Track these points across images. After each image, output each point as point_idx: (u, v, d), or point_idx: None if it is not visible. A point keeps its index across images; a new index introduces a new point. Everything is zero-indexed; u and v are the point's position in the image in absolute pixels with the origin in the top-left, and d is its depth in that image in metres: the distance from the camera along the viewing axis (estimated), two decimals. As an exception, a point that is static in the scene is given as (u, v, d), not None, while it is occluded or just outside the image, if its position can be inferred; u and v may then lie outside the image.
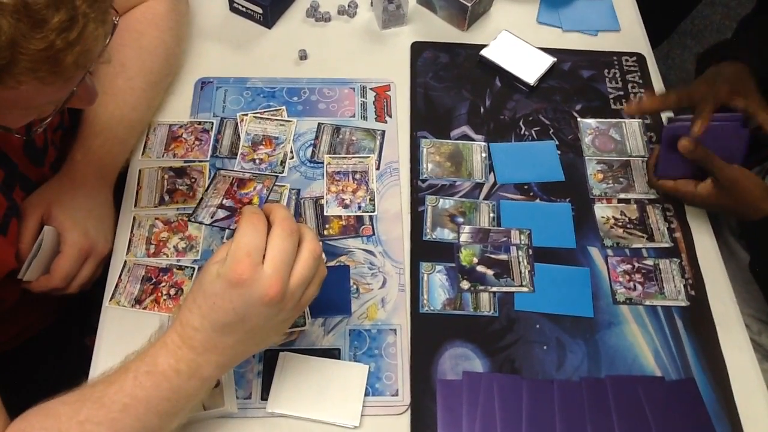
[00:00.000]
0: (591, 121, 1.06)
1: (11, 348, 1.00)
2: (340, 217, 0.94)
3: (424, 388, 0.81)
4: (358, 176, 0.98)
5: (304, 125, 1.02)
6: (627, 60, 1.13)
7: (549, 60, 1.10)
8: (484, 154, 1.01)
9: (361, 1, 1.17)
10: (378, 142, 1.01)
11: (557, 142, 1.03)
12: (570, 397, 0.81)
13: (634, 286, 0.90)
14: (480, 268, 0.91)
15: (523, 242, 0.93)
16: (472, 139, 1.03)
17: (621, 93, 1.09)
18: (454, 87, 1.09)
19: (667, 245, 0.94)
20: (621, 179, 1.00)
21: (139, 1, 0.98)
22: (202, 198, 0.93)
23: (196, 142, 0.99)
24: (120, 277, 0.88)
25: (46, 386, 0.67)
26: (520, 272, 0.90)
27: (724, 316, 0.89)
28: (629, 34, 1.17)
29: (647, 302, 0.89)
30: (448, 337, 0.85)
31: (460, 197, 0.97)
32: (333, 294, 0.86)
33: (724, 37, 2.28)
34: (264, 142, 1.00)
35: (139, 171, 0.96)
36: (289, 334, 0.83)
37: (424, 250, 0.92)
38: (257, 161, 0.98)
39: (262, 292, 0.62)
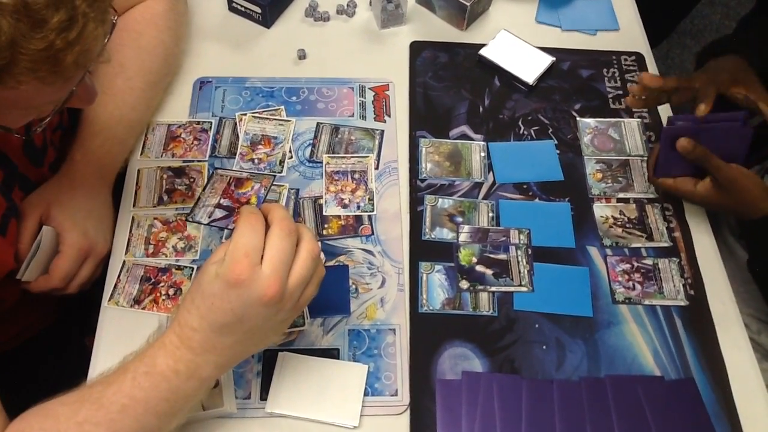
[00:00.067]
0: (590, 121, 1.06)
1: (11, 348, 1.00)
2: (339, 216, 0.94)
3: (423, 388, 0.81)
4: (357, 176, 0.97)
5: (302, 125, 1.02)
6: (626, 59, 1.13)
7: (548, 59, 1.10)
8: (483, 154, 1.01)
9: (360, 0, 1.17)
10: (377, 142, 1.01)
11: (556, 142, 1.03)
12: (569, 397, 0.81)
13: (633, 285, 0.90)
14: (479, 268, 0.91)
15: (522, 242, 0.93)
16: (471, 139, 1.03)
17: (620, 92, 1.09)
18: (453, 86, 1.09)
19: (666, 245, 0.94)
20: (620, 178, 1.00)
21: (138, 1, 0.98)
22: (199, 198, 0.93)
23: (195, 142, 0.99)
24: (119, 277, 0.88)
25: (46, 386, 0.67)
26: (520, 272, 0.90)
27: (724, 316, 0.89)
28: (628, 34, 1.17)
29: (646, 302, 0.89)
30: (448, 336, 0.85)
31: (459, 197, 0.97)
32: (332, 294, 0.86)
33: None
34: (263, 142, 1.00)
35: (138, 171, 0.96)
36: (288, 334, 0.83)
37: (423, 250, 0.92)
38: (256, 161, 0.98)
39: (260, 292, 0.62)
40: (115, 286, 0.87)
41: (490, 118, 1.05)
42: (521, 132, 1.04)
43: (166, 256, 0.89)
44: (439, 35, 1.15)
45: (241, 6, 1.12)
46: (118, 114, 0.92)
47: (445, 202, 0.96)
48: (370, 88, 1.07)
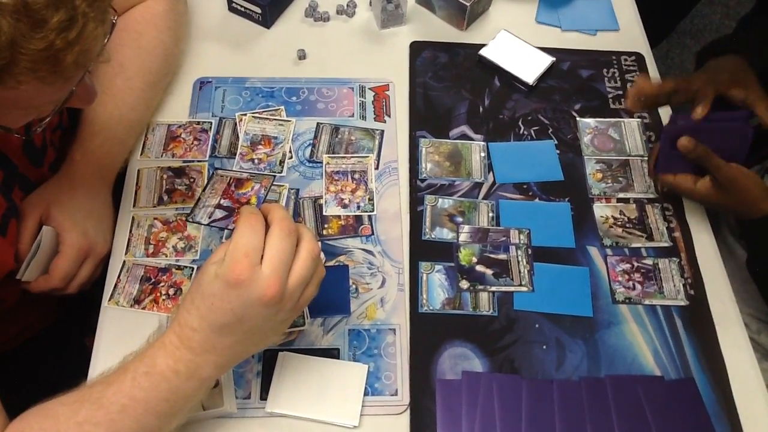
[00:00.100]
0: (590, 121, 1.06)
1: (11, 348, 1.00)
2: (339, 216, 0.94)
3: (423, 388, 0.81)
4: (357, 176, 0.97)
5: (302, 125, 1.02)
6: (626, 59, 1.13)
7: (548, 59, 1.10)
8: (483, 154, 1.01)
9: (360, 0, 1.17)
10: (377, 142, 1.01)
11: (556, 142, 1.03)
12: (569, 397, 0.81)
13: (634, 285, 0.90)
14: (479, 268, 0.91)
15: (522, 242, 0.93)
16: (471, 139, 1.03)
17: (620, 92, 1.09)
18: (453, 86, 1.09)
19: (666, 245, 0.94)
20: (620, 178, 1.00)
21: (138, 1, 0.98)
22: (199, 198, 0.93)
23: (195, 142, 0.99)
24: (119, 277, 0.88)
25: (46, 386, 0.67)
26: (520, 272, 0.90)
27: (724, 316, 0.89)
28: (628, 34, 1.17)
29: (646, 302, 0.89)
30: (448, 336, 0.85)
31: (459, 197, 0.97)
32: (332, 294, 0.86)
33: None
34: (263, 142, 1.00)
35: (138, 171, 0.96)
36: (288, 334, 0.83)
37: (423, 250, 0.92)
38: (256, 161, 0.98)
39: (260, 292, 0.62)
40: (115, 286, 0.87)
41: (490, 118, 1.05)
42: (521, 132, 1.04)
43: (166, 256, 0.89)
44: (439, 35, 1.15)
45: (241, 6, 1.12)
46: (117, 114, 0.92)
47: (445, 202, 0.96)
48: (370, 88, 1.07)
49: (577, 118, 1.06)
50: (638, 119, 1.06)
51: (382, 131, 1.02)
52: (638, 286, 0.90)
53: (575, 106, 1.07)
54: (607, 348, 0.85)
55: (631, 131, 1.05)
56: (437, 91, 1.08)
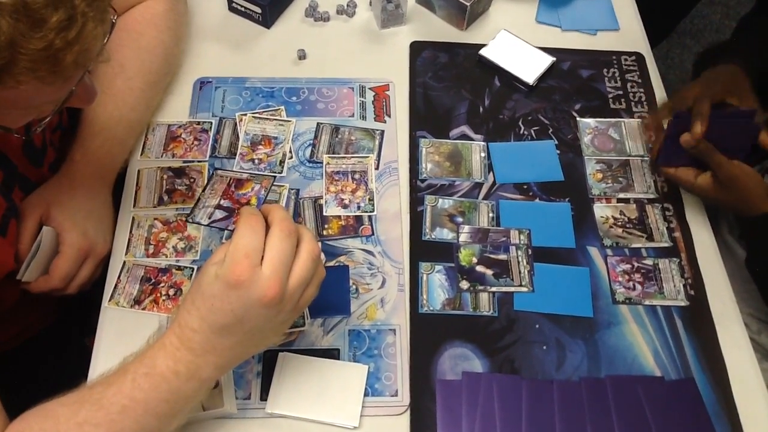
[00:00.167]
0: (590, 121, 1.06)
1: (11, 348, 0.99)
2: (339, 217, 0.94)
3: (423, 389, 0.81)
4: (357, 176, 0.97)
5: (303, 125, 1.02)
6: (626, 59, 1.13)
7: (548, 59, 1.10)
8: (483, 154, 1.01)
9: (360, 0, 1.17)
10: (377, 142, 1.01)
11: (556, 142, 1.03)
12: (570, 397, 0.81)
13: (634, 285, 0.90)
14: (479, 268, 0.91)
15: (522, 242, 0.93)
16: (472, 139, 1.03)
17: (620, 92, 1.09)
18: (453, 87, 1.08)
19: (666, 245, 0.94)
20: (620, 179, 1.00)
21: (138, 1, 0.98)
22: (199, 199, 0.93)
23: (195, 142, 0.99)
24: (119, 277, 0.88)
25: (46, 386, 0.67)
26: (520, 272, 0.90)
27: (724, 316, 0.89)
28: (628, 34, 1.17)
29: (647, 302, 0.89)
30: (448, 337, 0.85)
31: (460, 197, 0.97)
32: (332, 294, 0.86)
33: (723, 36, 2.29)
34: (263, 142, 1.00)
35: (138, 171, 0.96)
36: (288, 334, 0.83)
37: (423, 250, 0.92)
38: (256, 161, 0.98)
39: (260, 293, 0.62)
40: (116, 286, 0.87)
41: (490, 118, 1.05)
42: (521, 132, 1.04)
43: (167, 257, 0.89)
44: (439, 35, 1.15)
45: (241, 6, 1.12)
46: (117, 114, 0.92)
47: (446, 203, 0.96)
48: (370, 88, 1.07)
49: (578, 118, 1.06)
50: (638, 119, 1.06)
51: (382, 131, 1.02)
52: (638, 287, 0.90)
53: (575, 106, 1.07)
54: (608, 348, 0.85)
55: (632, 131, 1.05)
56: (437, 91, 1.08)
